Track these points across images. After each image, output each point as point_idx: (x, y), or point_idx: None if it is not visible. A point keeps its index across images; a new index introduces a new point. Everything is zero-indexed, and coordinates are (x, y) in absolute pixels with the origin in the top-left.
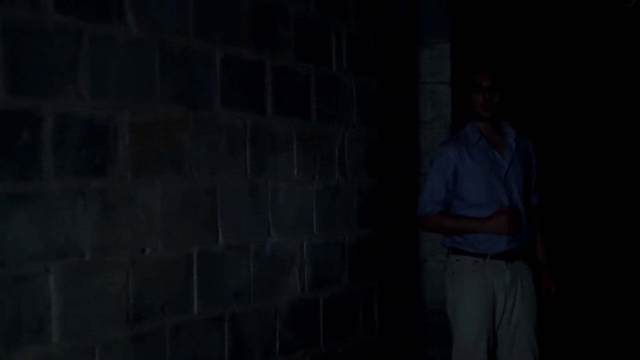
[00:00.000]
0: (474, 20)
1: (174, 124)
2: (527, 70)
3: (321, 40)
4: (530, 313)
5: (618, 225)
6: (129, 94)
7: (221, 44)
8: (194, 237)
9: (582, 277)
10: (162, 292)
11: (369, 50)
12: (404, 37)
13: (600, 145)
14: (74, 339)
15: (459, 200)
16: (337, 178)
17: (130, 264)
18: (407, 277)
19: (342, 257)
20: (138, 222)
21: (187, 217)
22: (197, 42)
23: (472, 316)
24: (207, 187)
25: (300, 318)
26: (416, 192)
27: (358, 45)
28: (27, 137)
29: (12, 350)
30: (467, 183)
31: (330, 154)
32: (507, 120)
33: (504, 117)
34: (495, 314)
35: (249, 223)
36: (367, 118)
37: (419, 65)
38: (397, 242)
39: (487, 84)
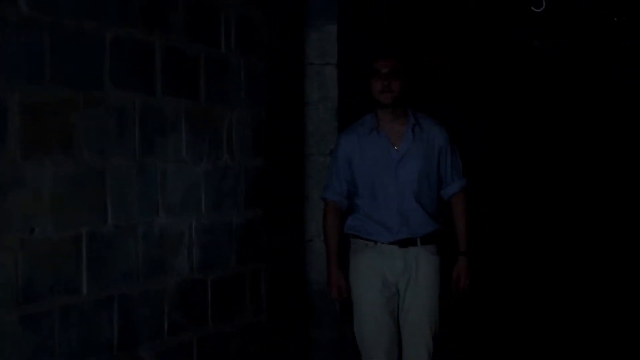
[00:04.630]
0: (362, 2)
1: (65, 105)
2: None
3: (211, 21)
4: (423, 303)
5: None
6: (19, 75)
7: (112, 24)
8: (84, 218)
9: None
10: (51, 273)
11: (258, 30)
12: (292, 19)
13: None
14: None
15: (354, 189)
16: (225, 159)
17: (19, 244)
18: (293, 257)
19: (230, 238)
20: (27, 203)
21: (76, 198)
22: (88, 23)
23: (364, 298)
24: (97, 168)
25: (189, 299)
26: (302, 172)
27: (247, 26)
28: None
29: None
30: (358, 174)
31: (218, 135)
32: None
33: (408, 105)
34: (393, 299)
35: (138, 204)
36: (255, 99)
37: (306, 46)
38: (283, 222)
39: (386, 70)
